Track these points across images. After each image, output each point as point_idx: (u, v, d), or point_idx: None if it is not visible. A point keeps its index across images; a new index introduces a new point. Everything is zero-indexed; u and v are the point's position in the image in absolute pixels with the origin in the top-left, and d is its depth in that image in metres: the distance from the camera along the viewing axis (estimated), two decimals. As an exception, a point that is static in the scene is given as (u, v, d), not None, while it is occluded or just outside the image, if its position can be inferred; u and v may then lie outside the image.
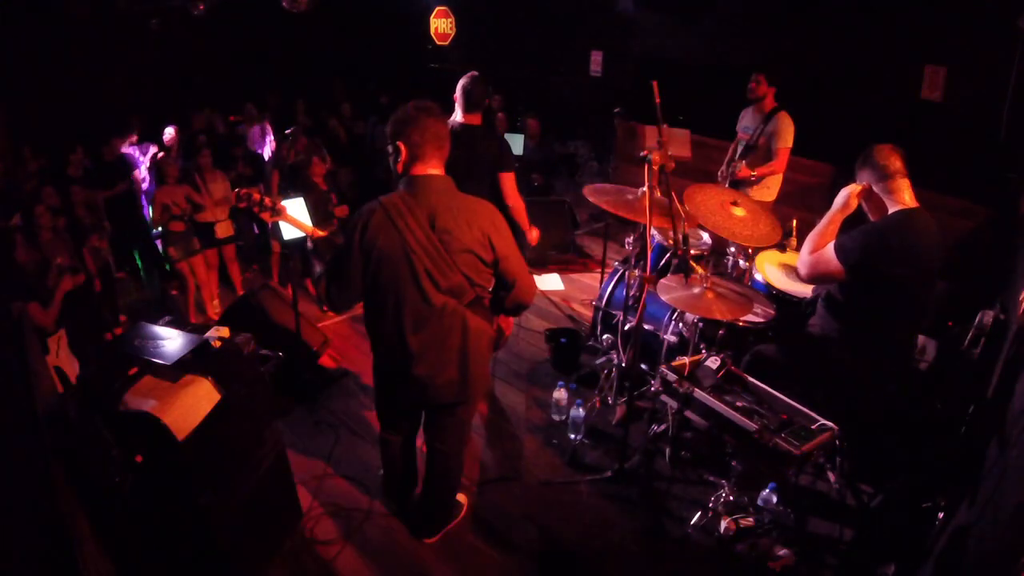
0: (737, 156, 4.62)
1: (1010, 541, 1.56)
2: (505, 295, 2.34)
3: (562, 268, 5.64)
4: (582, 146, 7.42)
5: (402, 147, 2.18)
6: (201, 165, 5.18)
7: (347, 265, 2.22)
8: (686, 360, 2.87)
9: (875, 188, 2.63)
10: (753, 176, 4.45)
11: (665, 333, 3.41)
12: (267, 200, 2.52)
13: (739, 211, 3.16)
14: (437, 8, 8.96)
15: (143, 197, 6.27)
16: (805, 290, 3.18)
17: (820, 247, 2.70)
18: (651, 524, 2.91)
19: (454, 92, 3.48)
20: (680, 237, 2.88)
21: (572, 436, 3.42)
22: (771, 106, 4.43)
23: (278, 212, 2.47)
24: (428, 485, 2.76)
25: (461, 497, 3.01)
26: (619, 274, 3.87)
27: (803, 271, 2.77)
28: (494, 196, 3.42)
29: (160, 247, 5.53)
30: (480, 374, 2.44)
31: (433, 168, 2.19)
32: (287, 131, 6.70)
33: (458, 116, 3.46)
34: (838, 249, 2.62)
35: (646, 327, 3.48)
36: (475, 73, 3.45)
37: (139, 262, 6.20)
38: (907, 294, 2.59)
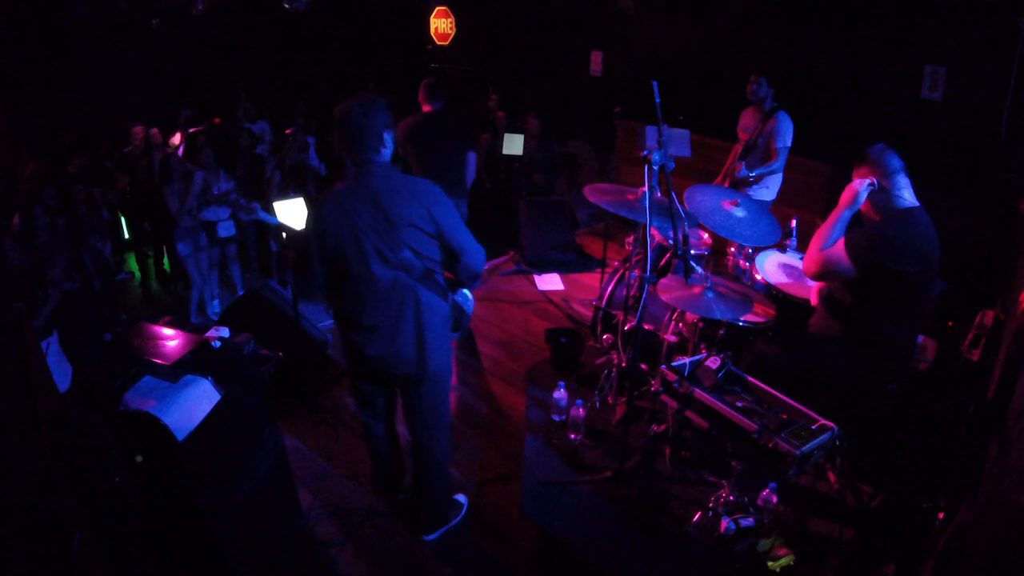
0: (738, 156, 4.62)
1: (1010, 541, 1.56)
2: (456, 265, 2.50)
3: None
4: (582, 146, 7.42)
5: (343, 143, 2.36)
6: (203, 164, 5.18)
7: (307, 251, 2.41)
8: (686, 360, 2.87)
9: (874, 185, 2.65)
10: (751, 177, 4.46)
11: (665, 333, 3.41)
12: (240, 200, 2.65)
13: (739, 211, 3.16)
14: (437, 8, 8.96)
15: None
16: (805, 290, 3.18)
17: (828, 245, 2.70)
18: (651, 524, 2.91)
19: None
20: (680, 237, 2.88)
21: (572, 436, 3.42)
22: (770, 106, 4.43)
23: (251, 212, 2.64)
24: (415, 473, 2.82)
25: (461, 497, 3.03)
26: (619, 274, 3.87)
27: (812, 269, 2.76)
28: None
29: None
30: (436, 348, 2.55)
31: (372, 155, 2.35)
32: (287, 131, 6.70)
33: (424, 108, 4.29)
34: (849, 247, 2.61)
35: (646, 327, 3.48)
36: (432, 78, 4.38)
37: (136, 262, 6.22)
38: (914, 292, 2.60)
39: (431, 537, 2.87)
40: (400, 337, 2.48)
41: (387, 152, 2.39)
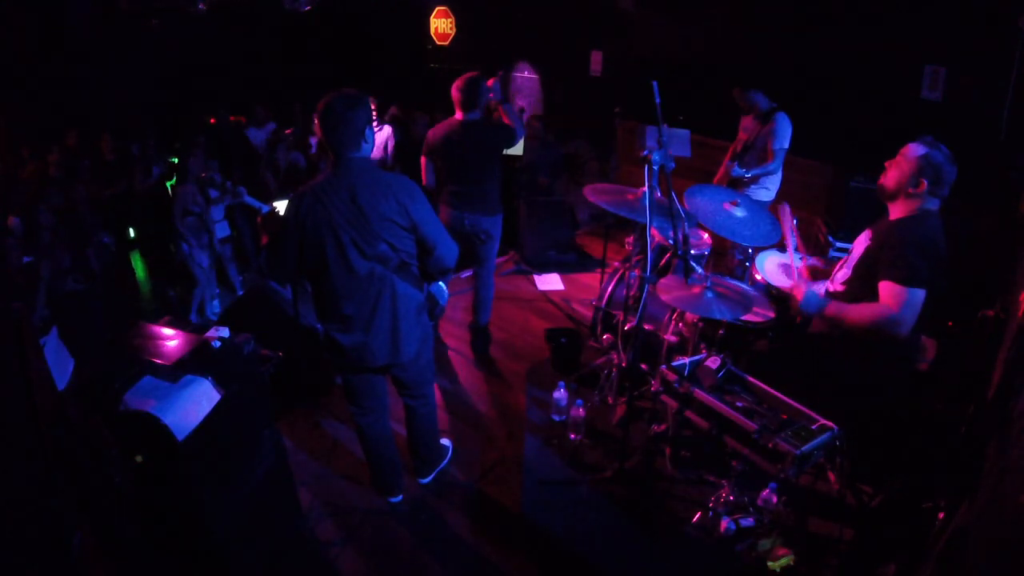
0: (736, 156, 4.62)
1: (1010, 541, 1.55)
2: (428, 259, 2.58)
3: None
4: (582, 146, 7.42)
5: (324, 137, 2.39)
6: (197, 166, 5.19)
7: (282, 241, 2.47)
8: (686, 360, 2.87)
9: (918, 185, 2.56)
10: (746, 177, 4.45)
11: (665, 333, 3.41)
12: (227, 183, 2.69)
13: (739, 211, 3.16)
14: (437, 8, 8.96)
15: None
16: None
17: (865, 305, 2.58)
18: (651, 524, 2.91)
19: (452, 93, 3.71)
20: (680, 237, 2.88)
21: (572, 436, 3.42)
22: (769, 107, 4.43)
23: (238, 195, 2.72)
24: (409, 428, 3.06)
25: (446, 441, 3.35)
26: (619, 274, 3.88)
27: (895, 329, 2.49)
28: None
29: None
30: (410, 337, 2.65)
31: (352, 151, 2.39)
32: (287, 131, 6.71)
33: (457, 115, 3.73)
34: (916, 279, 2.46)
35: (646, 327, 3.48)
36: (469, 75, 3.68)
37: (139, 261, 6.22)
38: (931, 296, 2.57)
39: (427, 480, 3.16)
40: (375, 327, 2.56)
41: (367, 148, 2.43)
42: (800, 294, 2.78)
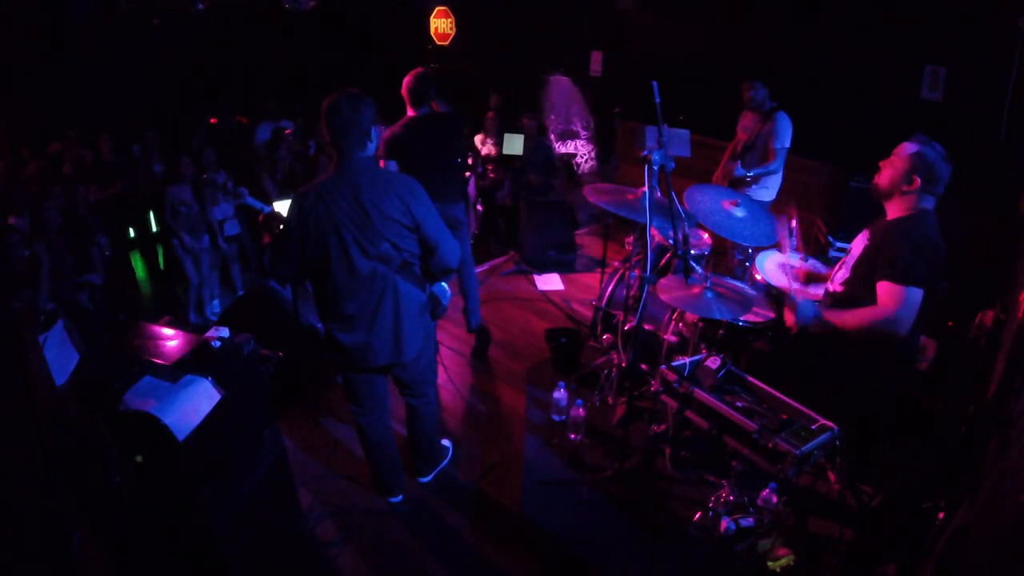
0: (736, 156, 4.62)
1: (1010, 541, 1.55)
2: (430, 259, 2.58)
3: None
4: (582, 146, 7.42)
5: (329, 137, 2.40)
6: (204, 165, 5.20)
7: (286, 240, 2.48)
8: (686, 360, 2.87)
9: (911, 182, 2.56)
10: (749, 177, 4.45)
11: (665, 333, 3.41)
12: (229, 184, 2.73)
13: (739, 211, 3.16)
14: (437, 8, 8.95)
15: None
16: (806, 291, 3.17)
17: (862, 310, 2.58)
18: (651, 524, 2.91)
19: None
20: (680, 237, 2.88)
21: (572, 436, 3.42)
22: (770, 106, 4.43)
23: (239, 196, 2.76)
24: (409, 427, 3.08)
25: (446, 441, 3.35)
26: (619, 274, 3.88)
27: (893, 328, 2.50)
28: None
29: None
30: (412, 336, 2.65)
31: (355, 151, 2.40)
32: (287, 131, 6.70)
33: (409, 112, 3.78)
34: (914, 278, 2.45)
35: (646, 327, 3.48)
36: (416, 71, 3.73)
37: (140, 261, 6.22)
38: (930, 296, 2.57)
39: (427, 479, 3.17)
40: (378, 327, 2.56)
41: (371, 147, 2.45)
42: (794, 311, 2.75)
